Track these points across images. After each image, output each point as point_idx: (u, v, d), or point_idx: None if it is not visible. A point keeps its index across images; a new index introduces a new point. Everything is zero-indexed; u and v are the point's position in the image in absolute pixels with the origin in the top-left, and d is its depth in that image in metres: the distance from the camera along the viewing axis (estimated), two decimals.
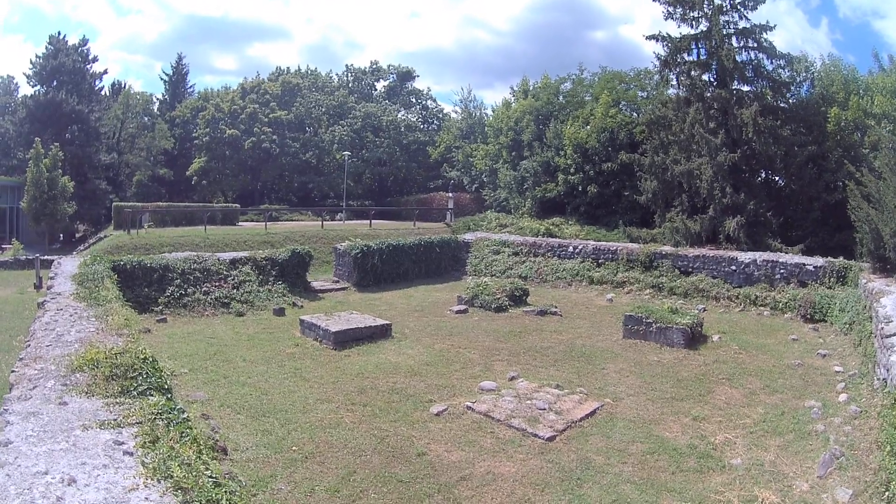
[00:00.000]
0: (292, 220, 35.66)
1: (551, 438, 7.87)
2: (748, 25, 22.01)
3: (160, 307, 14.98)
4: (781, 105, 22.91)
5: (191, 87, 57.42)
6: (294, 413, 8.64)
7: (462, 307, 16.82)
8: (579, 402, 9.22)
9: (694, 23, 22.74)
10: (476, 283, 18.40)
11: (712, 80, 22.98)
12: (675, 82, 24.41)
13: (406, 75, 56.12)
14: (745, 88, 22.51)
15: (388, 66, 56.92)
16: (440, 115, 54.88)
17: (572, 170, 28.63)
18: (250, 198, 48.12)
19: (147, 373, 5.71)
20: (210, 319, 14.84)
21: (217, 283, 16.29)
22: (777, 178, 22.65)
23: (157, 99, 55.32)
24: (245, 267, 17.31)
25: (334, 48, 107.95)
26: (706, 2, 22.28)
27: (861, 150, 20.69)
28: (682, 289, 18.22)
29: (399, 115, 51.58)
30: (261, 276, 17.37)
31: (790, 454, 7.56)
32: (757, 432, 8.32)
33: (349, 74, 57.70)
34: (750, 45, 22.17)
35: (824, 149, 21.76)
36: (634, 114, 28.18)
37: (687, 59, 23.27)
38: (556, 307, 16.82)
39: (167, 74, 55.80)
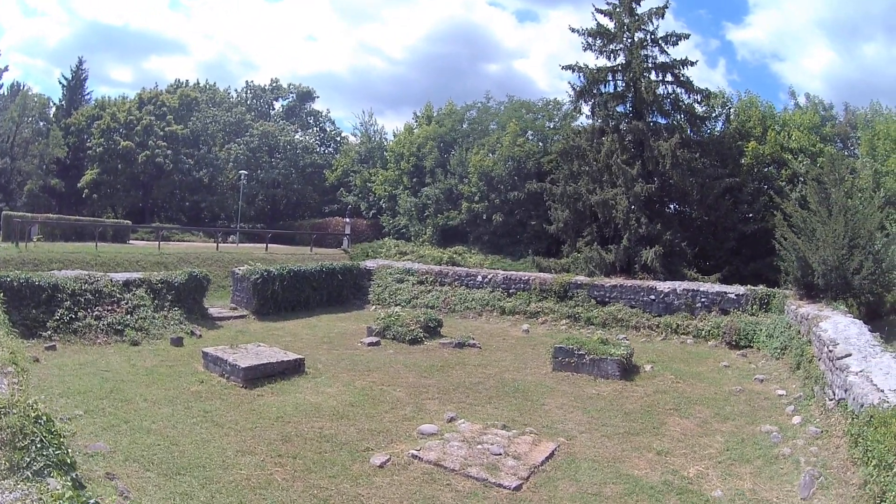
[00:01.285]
0: (184, 241, 33.96)
1: (518, 488, 6.89)
2: (667, 60, 23.11)
3: (49, 332, 13.77)
4: (697, 139, 24.18)
5: (88, 94, 54.77)
6: (213, 469, 7.46)
7: (374, 339, 15.93)
8: (534, 444, 8.26)
9: (612, 55, 23.63)
10: (387, 314, 17.28)
11: (628, 111, 23.81)
12: (588, 113, 25.12)
13: (306, 95, 55.64)
14: (662, 121, 23.58)
15: (289, 86, 56.41)
16: (338, 139, 54.55)
17: (477, 198, 28.42)
18: (140, 215, 46.01)
19: (42, 440, 4.52)
20: (103, 348, 13.67)
21: (110, 307, 15.18)
22: (690, 210, 23.55)
23: (54, 104, 52.33)
24: (139, 290, 16.23)
25: (230, 66, 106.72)
26: (626, 35, 23.16)
27: (778, 182, 22.18)
28: (600, 319, 18.12)
29: (296, 136, 50.59)
30: (156, 301, 16.33)
31: (766, 480, 7.51)
32: (725, 462, 8.13)
33: (248, 91, 56.49)
34: (668, 79, 23.36)
35: (740, 181, 23.13)
36: (541, 143, 28.59)
37: (603, 90, 23.95)
38: (473, 339, 16.08)
39: (66, 79, 53.06)
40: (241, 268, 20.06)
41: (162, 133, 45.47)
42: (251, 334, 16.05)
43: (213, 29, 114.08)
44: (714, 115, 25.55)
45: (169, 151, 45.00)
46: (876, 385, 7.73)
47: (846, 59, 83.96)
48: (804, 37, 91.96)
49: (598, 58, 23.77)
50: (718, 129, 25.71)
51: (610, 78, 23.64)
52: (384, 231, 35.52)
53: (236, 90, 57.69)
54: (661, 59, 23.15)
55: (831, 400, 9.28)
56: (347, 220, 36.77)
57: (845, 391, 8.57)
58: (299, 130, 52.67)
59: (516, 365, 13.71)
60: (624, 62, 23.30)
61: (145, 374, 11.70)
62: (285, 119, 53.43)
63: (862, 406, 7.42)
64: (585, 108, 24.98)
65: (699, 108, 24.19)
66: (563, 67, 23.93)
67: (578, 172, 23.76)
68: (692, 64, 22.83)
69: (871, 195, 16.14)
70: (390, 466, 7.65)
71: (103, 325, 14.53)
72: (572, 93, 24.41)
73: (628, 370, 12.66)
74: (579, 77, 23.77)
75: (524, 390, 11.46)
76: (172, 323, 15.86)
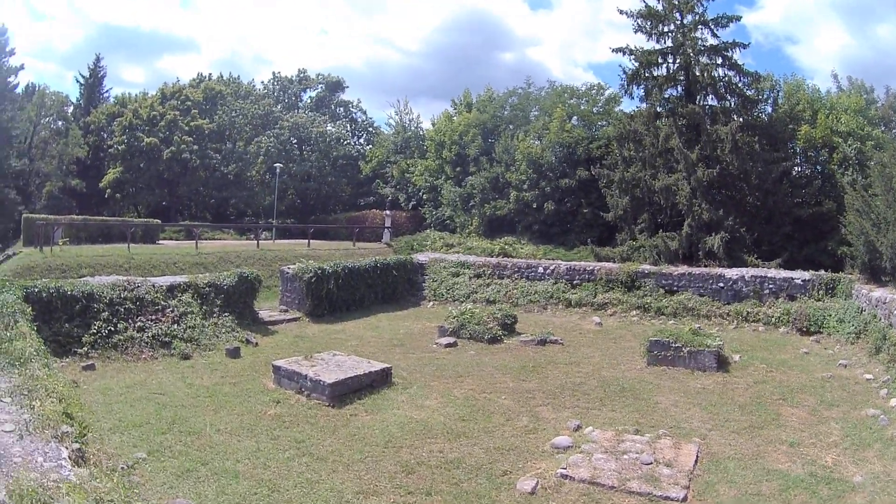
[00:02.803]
0: (216, 239, 34.31)
1: (684, 499, 7.51)
2: (718, 42, 23.68)
3: (85, 348, 12.77)
4: (751, 122, 24.87)
5: (106, 91, 55.19)
6: None
7: (449, 339, 16.10)
8: (675, 447, 9.00)
9: (662, 38, 24.06)
10: (460, 311, 17.76)
11: (680, 95, 24.37)
12: (641, 95, 25.67)
13: (335, 86, 55.45)
14: (714, 104, 24.03)
15: (317, 76, 56.26)
16: (369, 129, 54.74)
17: (525, 186, 29.08)
18: (164, 213, 46.32)
19: None
20: (150, 364, 12.80)
21: (153, 317, 14.21)
22: (748, 194, 24.33)
23: (72, 103, 52.79)
24: (185, 295, 15.31)
25: (242, 63, 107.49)
26: (677, 17, 23.62)
27: (830, 166, 22.88)
28: (671, 308, 18.93)
29: (328, 128, 50.62)
30: (204, 307, 15.49)
31: (891, 461, 8.27)
32: (850, 448, 8.94)
33: (275, 83, 56.52)
34: (718, 62, 23.76)
35: (793, 164, 23.82)
36: (587, 129, 29.17)
37: (655, 73, 24.45)
38: (553, 335, 16.68)
39: (83, 76, 53.54)
40: (292, 266, 19.75)
41: (187, 128, 45.67)
42: (311, 339, 15.96)
43: (225, 26, 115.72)
44: (763, 98, 26.15)
45: (195, 147, 45.25)
46: None
47: (860, 40, 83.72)
48: (817, 19, 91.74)
49: (648, 40, 24.40)
50: (767, 112, 26.33)
51: (661, 61, 24.22)
52: (426, 223, 36.18)
53: (262, 82, 57.92)
54: (711, 41, 23.75)
55: None
56: (388, 212, 36.95)
57: None
58: (329, 122, 52.50)
59: (608, 361, 14.27)
60: (673, 45, 23.87)
61: (207, 395, 10.84)
62: (314, 110, 53.34)
63: None
64: (637, 92, 25.61)
65: (749, 92, 24.77)
66: (613, 50, 24.75)
67: (634, 157, 24.47)
68: (745, 46, 23.57)
69: None
70: (541, 491, 7.53)
71: (147, 337, 13.59)
72: (623, 76, 25.04)
73: (722, 362, 13.44)
74: (631, 60, 24.39)
75: (631, 389, 12.03)
76: (224, 331, 15.13)
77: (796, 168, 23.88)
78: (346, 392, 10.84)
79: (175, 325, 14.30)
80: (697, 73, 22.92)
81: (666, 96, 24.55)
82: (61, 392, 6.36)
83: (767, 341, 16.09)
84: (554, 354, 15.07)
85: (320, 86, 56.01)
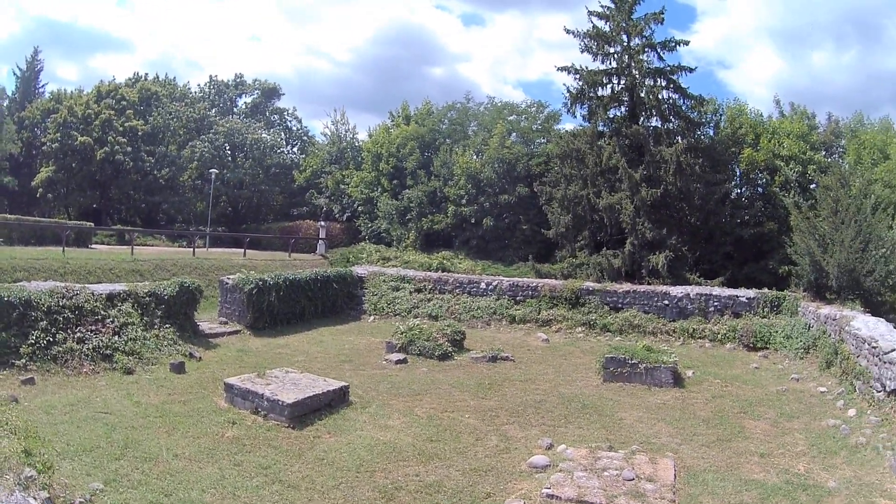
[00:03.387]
0: (148, 245, 33.13)
1: None
2: (663, 66, 24.51)
3: (23, 360, 12.03)
4: (694, 145, 25.75)
5: (42, 87, 54.34)
6: None
7: (399, 356, 15.78)
8: (651, 462, 8.89)
9: (608, 59, 24.77)
10: (408, 327, 17.35)
11: (624, 115, 25.05)
12: (581, 115, 26.20)
13: (272, 92, 55.51)
14: (657, 125, 24.84)
15: (254, 81, 55.99)
16: (304, 137, 54.43)
17: (464, 201, 29.14)
18: (95, 216, 44.88)
19: None
20: (92, 379, 12.11)
21: (93, 327, 13.50)
22: (690, 215, 25.20)
23: (7, 96, 50.92)
24: (125, 305, 14.64)
25: (175, 65, 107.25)
26: (624, 38, 24.32)
27: (771, 188, 24.09)
28: (617, 325, 19.18)
29: (263, 135, 49.97)
30: (144, 317, 14.88)
31: (858, 466, 8.72)
32: (819, 456, 9.30)
33: (211, 87, 55.62)
34: (663, 84, 24.60)
35: (733, 187, 24.99)
36: (526, 146, 29.54)
37: (600, 93, 25.03)
38: (504, 352, 16.51)
39: (20, 69, 52.75)
40: (232, 276, 19.37)
41: (121, 129, 44.41)
42: (255, 354, 15.58)
43: (158, 26, 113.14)
44: (706, 121, 27.37)
45: (129, 148, 44.13)
46: None
47: (794, 66, 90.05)
48: (752, 44, 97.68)
49: (594, 60, 25.06)
50: (709, 135, 27.58)
51: (606, 81, 24.88)
52: (361, 235, 35.74)
53: (199, 85, 57.26)
54: (657, 64, 24.69)
55: (880, 391, 10.64)
56: (323, 223, 36.51)
57: None
58: (264, 129, 52.17)
59: (563, 378, 14.24)
60: (619, 66, 24.61)
61: (158, 415, 10.25)
62: (250, 116, 52.88)
63: None
64: (580, 111, 26.20)
65: (693, 115, 25.85)
66: (558, 69, 25.31)
67: (576, 175, 24.89)
68: (691, 70, 24.46)
69: (862, 202, 18.09)
70: None
71: (88, 349, 12.92)
72: (566, 95, 25.51)
73: (678, 378, 13.60)
74: (575, 79, 24.89)
75: (592, 405, 11.96)
76: (166, 343, 14.56)
77: (738, 190, 25.01)
78: (306, 412, 10.41)
79: (116, 337, 13.70)
80: (643, 95, 23.76)
81: (610, 116, 25.28)
82: (15, 424, 5.94)
83: (716, 357, 16.52)
84: (507, 371, 14.99)
85: (256, 91, 55.92)
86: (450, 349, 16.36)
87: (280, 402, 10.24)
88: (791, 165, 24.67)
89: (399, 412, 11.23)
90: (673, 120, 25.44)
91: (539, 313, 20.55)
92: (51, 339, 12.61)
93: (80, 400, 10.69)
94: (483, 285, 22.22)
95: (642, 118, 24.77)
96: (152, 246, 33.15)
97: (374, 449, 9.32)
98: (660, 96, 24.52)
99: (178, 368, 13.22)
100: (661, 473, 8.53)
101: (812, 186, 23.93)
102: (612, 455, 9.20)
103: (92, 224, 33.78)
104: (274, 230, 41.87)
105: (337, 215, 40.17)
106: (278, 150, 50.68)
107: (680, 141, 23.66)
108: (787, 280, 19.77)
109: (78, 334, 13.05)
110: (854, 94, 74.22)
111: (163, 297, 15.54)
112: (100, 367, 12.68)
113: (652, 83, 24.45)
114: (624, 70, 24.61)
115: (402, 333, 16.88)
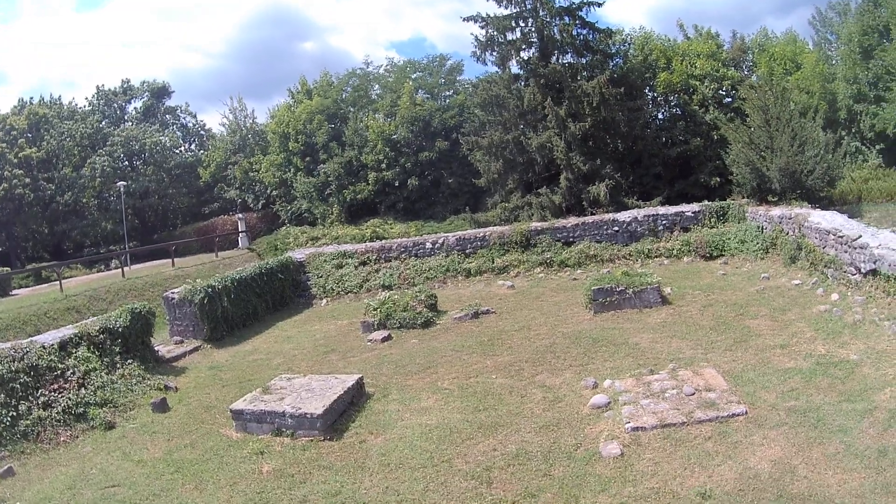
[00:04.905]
0: (69, 278, 30.34)
1: (746, 412, 8.15)
2: (569, 4, 25.23)
3: None
4: (611, 76, 26.74)
5: None
6: None
7: (382, 333, 15.64)
8: (697, 375, 9.62)
9: (511, 3, 25.04)
10: (380, 301, 17.28)
11: (535, 56, 25.62)
12: (491, 62, 26.48)
13: (161, 91, 53.31)
14: (572, 62, 25.62)
15: (142, 84, 53.48)
16: (201, 132, 53.28)
17: (384, 165, 28.92)
18: (2, 261, 40.90)
19: None
20: (74, 448, 10.75)
21: (55, 386, 12.11)
22: (619, 142, 26.45)
23: None
24: (80, 350, 13.38)
25: (53, 87, 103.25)
26: None
27: (691, 107, 25.71)
28: (573, 259, 20.16)
29: (161, 138, 47.91)
30: (104, 358, 13.68)
31: (864, 339, 9.90)
32: (829, 338, 10.40)
33: (99, 97, 52.26)
34: (570, 22, 25.35)
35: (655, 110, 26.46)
36: (435, 101, 29.66)
37: (510, 38, 25.38)
38: (483, 305, 16.82)
39: None
40: (176, 290, 18.38)
41: (16, 160, 41.43)
42: (229, 368, 14.79)
43: (29, 52, 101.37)
44: (616, 52, 28.58)
45: (27, 180, 41.20)
46: None
47: None
48: None
49: (499, 7, 25.33)
50: (620, 64, 28.82)
51: (514, 25, 25.31)
52: (281, 220, 34.85)
53: (86, 98, 53.68)
54: (562, 2, 25.39)
55: (854, 275, 12.01)
56: (240, 215, 35.37)
57: (874, 262, 11.29)
58: (160, 131, 50.10)
59: (555, 319, 14.69)
60: (527, 8, 25.05)
61: (171, 470, 9.15)
62: (143, 121, 50.67)
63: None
64: (490, 58, 26.42)
65: (604, 48, 26.94)
66: (464, 19, 25.59)
67: (498, 121, 25.38)
68: (599, 5, 25.33)
69: (790, 108, 19.91)
70: (627, 449, 7.70)
71: (58, 413, 11.48)
72: (475, 44, 25.70)
73: (663, 296, 14.61)
74: (482, 27, 25.09)
75: (602, 338, 12.43)
76: (135, 382, 13.45)
77: (659, 112, 26.63)
78: (336, 418, 9.86)
79: (83, 390, 12.35)
80: (556, 34, 24.51)
81: (525, 59, 25.77)
82: None
83: (680, 271, 17.76)
84: (496, 324, 15.20)
85: (146, 94, 53.91)
86: (429, 315, 16.40)
87: (309, 415, 9.54)
88: (706, 83, 26.56)
89: (426, 391, 11.00)
90: (587, 54, 26.39)
91: (493, 262, 21.04)
92: (14, 414, 11.06)
93: (75, 479, 9.30)
94: (428, 245, 22.39)
95: (555, 57, 25.56)
96: (74, 277, 31.00)
97: (431, 436, 8.99)
98: (573, 33, 25.34)
99: (161, 407, 12.23)
100: (712, 382, 9.33)
101: (727, 101, 26.08)
102: (658, 377, 9.87)
103: (8, 269, 30.97)
104: (188, 233, 40.44)
105: (252, 205, 39.40)
106: (178, 151, 50.05)
107: (599, 74, 24.70)
108: (719, 190, 21.60)
109: (41, 398, 11.64)
110: (733, 11, 78.84)
111: (117, 330, 14.43)
112: (77, 430, 11.37)
113: (560, 21, 25.20)
114: (531, 12, 25.14)
115: (374, 310, 16.70)
